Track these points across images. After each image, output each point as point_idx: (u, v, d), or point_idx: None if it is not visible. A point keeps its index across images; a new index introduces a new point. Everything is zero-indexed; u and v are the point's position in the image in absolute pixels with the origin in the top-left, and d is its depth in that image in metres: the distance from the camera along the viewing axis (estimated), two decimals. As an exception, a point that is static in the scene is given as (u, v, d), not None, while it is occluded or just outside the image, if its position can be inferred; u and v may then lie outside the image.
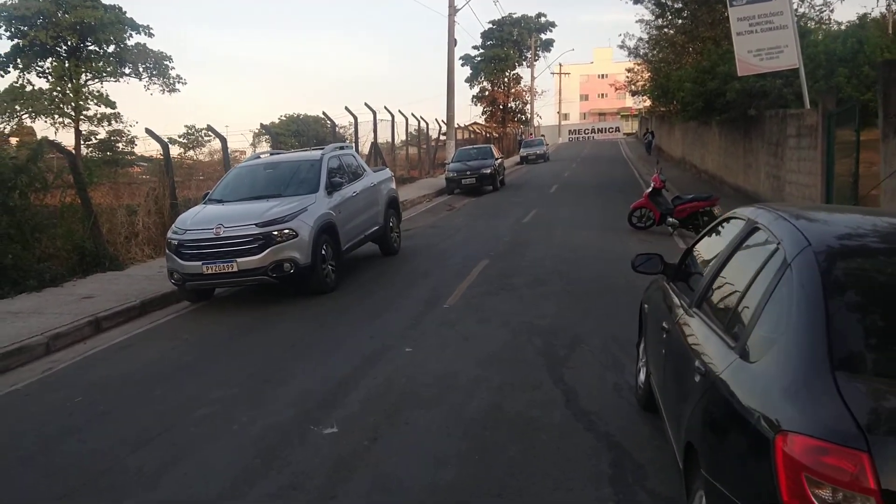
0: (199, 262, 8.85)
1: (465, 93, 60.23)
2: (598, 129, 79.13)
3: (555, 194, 22.49)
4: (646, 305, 4.85)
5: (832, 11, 29.16)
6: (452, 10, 29.81)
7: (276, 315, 8.65)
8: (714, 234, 4.02)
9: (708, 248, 4.03)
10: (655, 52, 29.47)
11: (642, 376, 4.99)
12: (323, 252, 9.39)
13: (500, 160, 26.59)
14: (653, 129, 47.60)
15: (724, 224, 3.94)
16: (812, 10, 21.16)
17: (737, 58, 14.35)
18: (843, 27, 20.38)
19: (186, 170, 22.13)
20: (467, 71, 58.01)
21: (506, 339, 7.00)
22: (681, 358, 3.32)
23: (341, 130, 27.10)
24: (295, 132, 44.17)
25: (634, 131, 73.04)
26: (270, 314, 8.71)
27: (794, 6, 15.85)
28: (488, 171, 23.94)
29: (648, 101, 37.01)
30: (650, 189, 13.89)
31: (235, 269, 8.81)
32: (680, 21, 26.96)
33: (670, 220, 13.13)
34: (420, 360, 6.47)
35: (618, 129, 77.44)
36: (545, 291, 8.96)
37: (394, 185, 12.88)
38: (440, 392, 5.63)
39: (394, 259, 11.92)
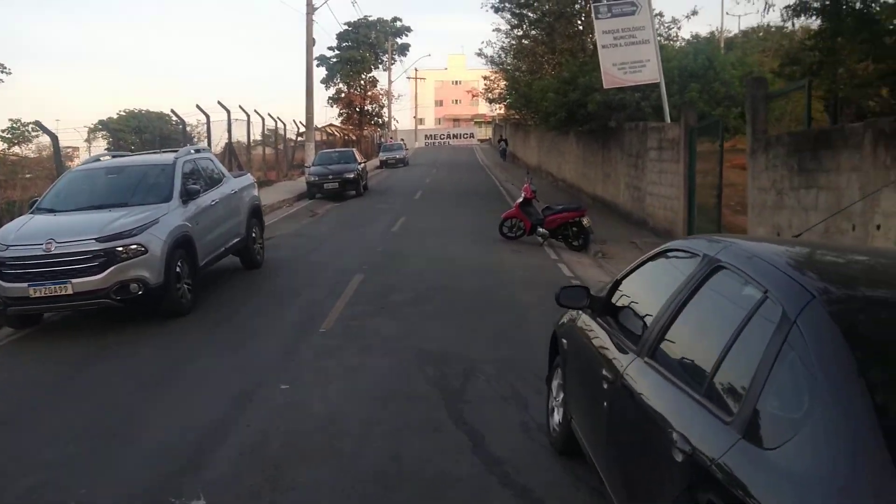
0: (25, 284, 7.48)
1: (321, 94, 58.20)
2: (454, 134, 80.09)
3: (420, 201, 22.12)
4: (564, 340, 4.38)
5: (679, 29, 31.12)
6: (311, 9, 28.64)
7: (121, 344, 7.45)
8: (651, 269, 3.61)
9: (645, 284, 3.62)
10: (515, 61, 29.98)
11: (557, 417, 4.54)
12: (178, 269, 8.26)
13: (363, 164, 25.91)
14: (507, 136, 48.80)
15: (663, 257, 3.55)
16: (662, 27, 22.28)
17: (602, 70, 14.60)
18: (681, 44, 21.66)
19: (10, 167, 19.49)
20: (323, 72, 56.59)
21: (394, 369, 6.36)
22: (640, 421, 2.85)
23: (190, 129, 25.20)
24: (136, 129, 40.62)
25: (488, 138, 74.68)
26: (113, 343, 7.49)
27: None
28: (352, 175, 23.16)
29: (503, 108, 37.79)
30: (521, 199, 13.83)
31: (70, 291, 7.51)
32: (535, 32, 27.54)
33: (540, 230, 13.14)
34: (299, 400, 5.67)
35: (472, 136, 78.88)
36: (428, 310, 8.42)
37: (256, 192, 11.82)
38: (328, 441, 4.89)
39: (257, 273, 10.88)
